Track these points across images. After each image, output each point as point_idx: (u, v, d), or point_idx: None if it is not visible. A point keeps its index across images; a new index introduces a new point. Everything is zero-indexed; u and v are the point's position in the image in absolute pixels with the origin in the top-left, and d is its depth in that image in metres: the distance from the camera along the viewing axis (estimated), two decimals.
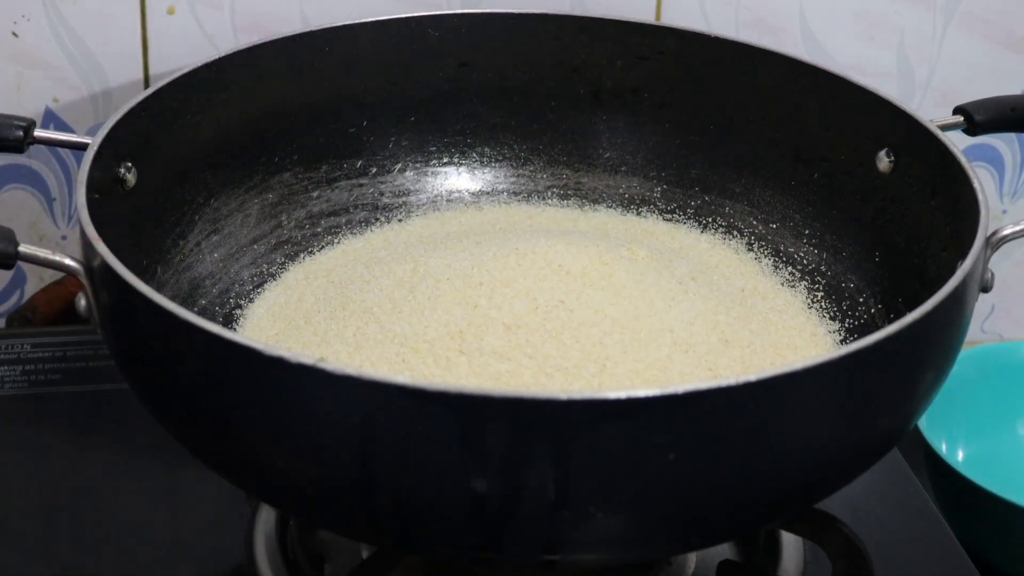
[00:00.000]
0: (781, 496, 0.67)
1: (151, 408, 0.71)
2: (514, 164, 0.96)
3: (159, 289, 0.78)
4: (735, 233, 0.92)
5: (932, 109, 0.91)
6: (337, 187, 0.93)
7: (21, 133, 0.79)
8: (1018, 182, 1.13)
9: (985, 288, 0.74)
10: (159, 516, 0.86)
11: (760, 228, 0.92)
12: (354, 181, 0.94)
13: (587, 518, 0.63)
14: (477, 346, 0.72)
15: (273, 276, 0.88)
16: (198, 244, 0.86)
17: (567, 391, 0.59)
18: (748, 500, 0.65)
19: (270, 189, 0.91)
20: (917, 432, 0.94)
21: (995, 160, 1.13)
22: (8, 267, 0.70)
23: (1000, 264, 1.14)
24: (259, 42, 0.89)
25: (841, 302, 0.86)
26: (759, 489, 0.65)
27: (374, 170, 0.94)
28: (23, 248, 0.69)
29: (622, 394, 0.59)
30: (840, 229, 0.88)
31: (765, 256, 0.90)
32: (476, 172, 0.96)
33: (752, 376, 0.60)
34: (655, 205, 0.94)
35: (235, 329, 0.82)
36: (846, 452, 0.68)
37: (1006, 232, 0.74)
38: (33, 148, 0.85)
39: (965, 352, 0.99)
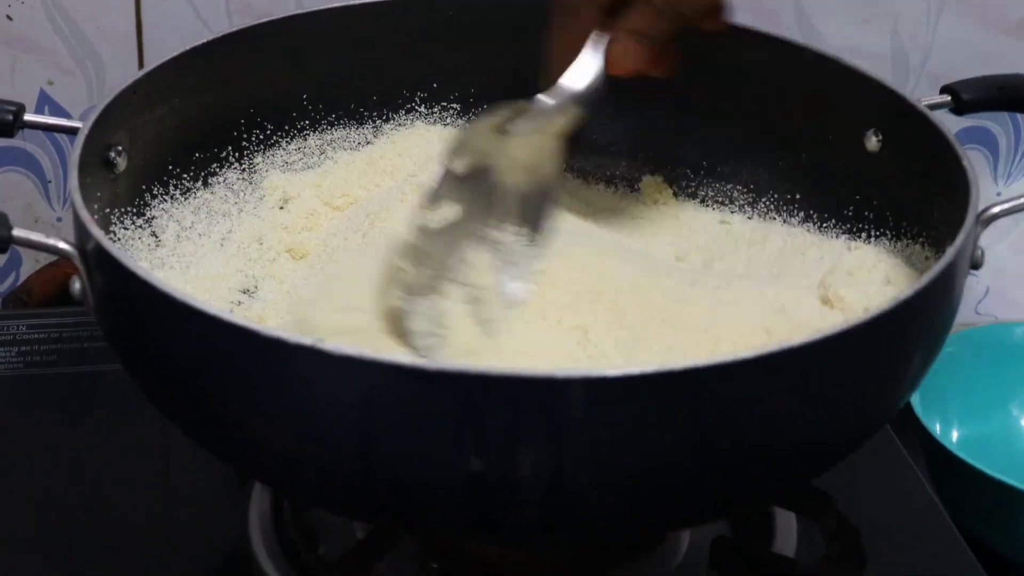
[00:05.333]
0: (774, 473, 0.68)
1: (145, 390, 0.71)
2: None
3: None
4: (723, 213, 0.93)
5: (926, 93, 0.91)
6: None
7: (11, 117, 0.79)
8: (1013, 165, 1.14)
9: (975, 265, 0.74)
10: (154, 497, 0.86)
11: (748, 209, 0.92)
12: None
13: (583, 497, 0.63)
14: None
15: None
16: (192, 226, 0.86)
17: (565, 369, 0.59)
18: (742, 477, 0.66)
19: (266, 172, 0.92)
20: (912, 413, 0.95)
21: (989, 143, 1.13)
22: (2, 251, 0.70)
23: (995, 246, 1.15)
24: (252, 24, 0.89)
25: None
26: (752, 466, 0.65)
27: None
28: (17, 232, 0.69)
29: (619, 372, 0.59)
30: (829, 211, 0.89)
31: (753, 236, 0.90)
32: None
33: (746, 354, 0.61)
34: (641, 186, 0.95)
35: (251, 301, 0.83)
36: (837, 429, 0.68)
37: (996, 210, 0.74)
38: (28, 131, 0.85)
39: (959, 333, 1.00)
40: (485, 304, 0.74)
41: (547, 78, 0.79)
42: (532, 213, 0.78)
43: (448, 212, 0.76)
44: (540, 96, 0.78)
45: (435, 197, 0.76)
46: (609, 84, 0.78)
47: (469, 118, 0.97)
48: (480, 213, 0.77)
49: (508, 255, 0.77)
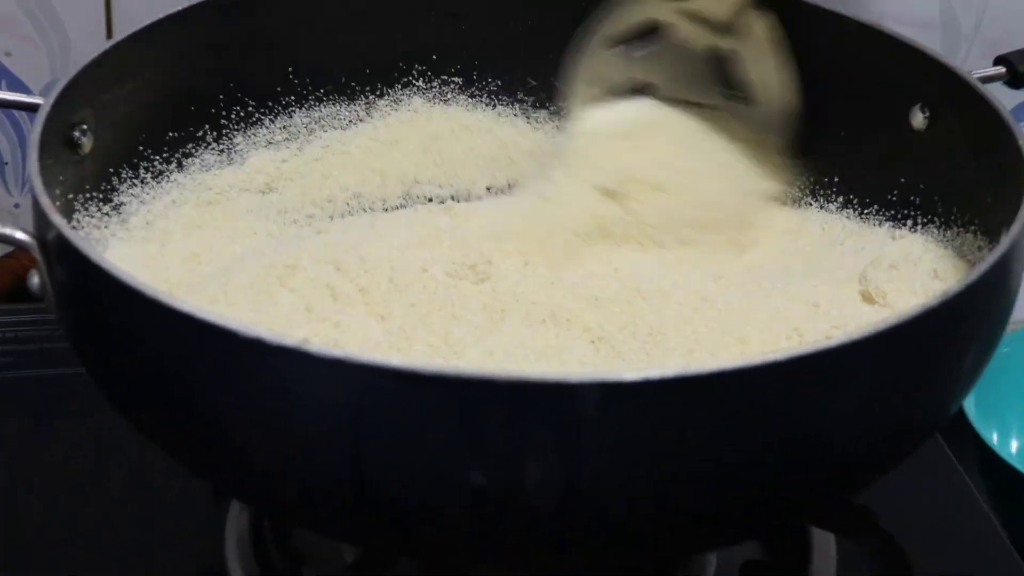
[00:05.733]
0: (810, 487, 0.67)
1: (111, 396, 0.71)
2: (520, 117, 0.97)
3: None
4: None
5: (979, 63, 0.91)
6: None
7: None
8: None
9: None
10: (119, 516, 0.86)
11: (780, 194, 0.92)
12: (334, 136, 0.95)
13: (598, 516, 0.63)
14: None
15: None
16: (163, 212, 0.86)
17: (577, 373, 0.59)
18: (774, 493, 0.66)
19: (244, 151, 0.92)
20: (965, 421, 0.95)
21: None
22: None
23: None
24: None
25: None
26: (786, 481, 0.65)
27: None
28: None
29: (638, 376, 0.59)
30: (871, 196, 0.89)
31: (787, 223, 0.91)
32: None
33: (778, 355, 0.61)
34: None
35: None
36: (881, 437, 0.68)
37: None
38: None
39: (1017, 332, 1.00)
40: None
41: None
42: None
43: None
44: None
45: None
46: None
47: (472, 93, 0.97)
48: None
49: None
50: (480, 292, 0.80)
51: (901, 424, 0.69)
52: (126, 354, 0.67)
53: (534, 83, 0.97)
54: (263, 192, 0.91)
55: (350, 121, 0.95)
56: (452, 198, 0.94)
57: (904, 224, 0.86)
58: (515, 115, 0.97)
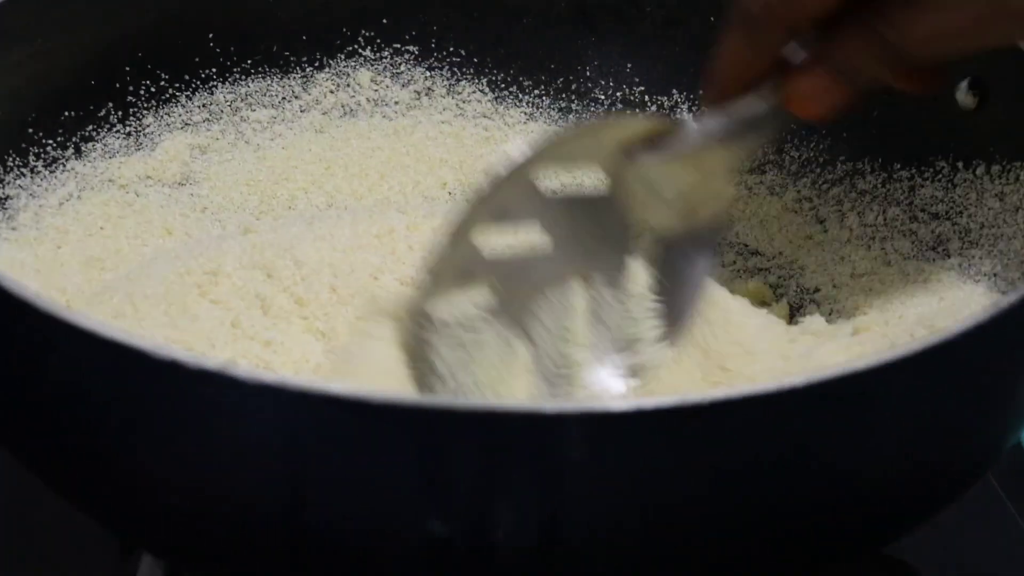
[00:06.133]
0: (837, 536, 0.67)
1: None
2: (488, 96, 0.98)
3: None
4: (768, 186, 0.94)
5: None
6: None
7: None
8: None
9: None
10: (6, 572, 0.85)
11: (802, 180, 0.94)
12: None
13: (582, 571, 0.63)
14: None
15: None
16: (58, 207, 0.87)
17: (557, 403, 0.59)
18: (795, 541, 0.66)
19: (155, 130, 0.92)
20: (1022, 456, 0.95)
21: None
22: None
23: None
24: None
25: None
26: (809, 526, 0.65)
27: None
28: None
29: (629, 406, 0.59)
30: (905, 182, 0.90)
31: (806, 211, 0.92)
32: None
33: (798, 380, 0.60)
34: None
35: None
36: (921, 477, 0.68)
37: None
38: None
39: None
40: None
41: (707, 97, 0.77)
42: (673, 273, 0.76)
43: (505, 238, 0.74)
44: (691, 119, 0.77)
45: (497, 209, 0.73)
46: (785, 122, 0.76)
47: (430, 66, 0.97)
48: (581, 252, 0.76)
49: (621, 320, 0.76)
50: None
51: (945, 462, 0.68)
52: (13, 377, 0.67)
53: (504, 52, 0.98)
54: (179, 184, 0.90)
55: (283, 98, 0.95)
56: (404, 195, 0.94)
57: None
58: (481, 91, 0.98)
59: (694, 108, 0.96)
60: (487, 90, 0.98)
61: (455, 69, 0.98)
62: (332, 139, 0.95)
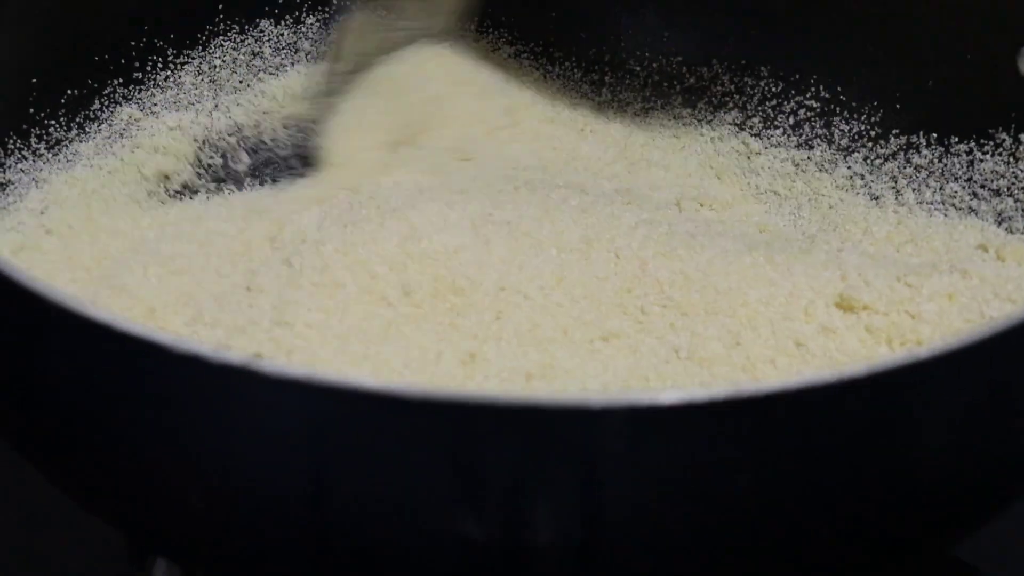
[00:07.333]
0: (895, 536, 0.66)
1: (4, 427, 0.70)
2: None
3: None
4: (816, 162, 0.94)
5: None
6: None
7: None
8: None
9: None
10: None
11: (853, 156, 0.93)
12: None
13: (626, 572, 0.62)
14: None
15: None
16: (63, 192, 0.86)
17: (602, 395, 0.58)
18: (850, 542, 0.65)
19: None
20: None
21: None
22: None
23: None
24: None
25: None
26: (865, 526, 0.64)
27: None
28: None
29: (679, 398, 0.58)
30: (964, 157, 0.89)
31: (858, 188, 0.92)
32: None
33: (858, 369, 0.59)
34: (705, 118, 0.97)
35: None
36: (984, 474, 0.67)
37: None
38: None
39: None
40: None
41: None
42: None
43: None
44: None
45: None
46: None
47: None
48: None
49: None
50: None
51: (1009, 457, 0.67)
52: (22, 373, 0.66)
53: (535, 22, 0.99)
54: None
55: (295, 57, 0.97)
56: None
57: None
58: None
59: (735, 79, 0.97)
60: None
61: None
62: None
